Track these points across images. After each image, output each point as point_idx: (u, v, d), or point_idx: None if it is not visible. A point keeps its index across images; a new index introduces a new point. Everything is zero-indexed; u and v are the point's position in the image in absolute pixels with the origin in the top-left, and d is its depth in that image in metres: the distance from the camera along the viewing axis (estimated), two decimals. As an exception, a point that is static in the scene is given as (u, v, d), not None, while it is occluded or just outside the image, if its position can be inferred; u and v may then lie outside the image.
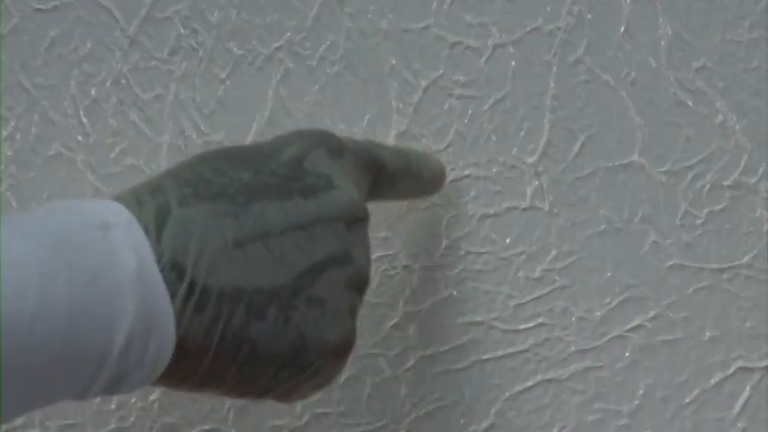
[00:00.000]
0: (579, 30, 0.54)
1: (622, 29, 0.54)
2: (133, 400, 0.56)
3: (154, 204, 0.40)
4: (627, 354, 0.54)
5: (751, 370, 0.54)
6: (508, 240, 0.55)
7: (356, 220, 0.44)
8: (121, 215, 0.38)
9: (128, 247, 0.38)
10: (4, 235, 0.35)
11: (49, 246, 0.36)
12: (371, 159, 0.48)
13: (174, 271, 0.39)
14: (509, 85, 0.55)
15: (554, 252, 0.54)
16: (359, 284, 0.44)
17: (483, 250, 0.54)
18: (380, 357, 0.55)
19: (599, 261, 0.54)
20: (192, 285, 0.39)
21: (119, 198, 0.40)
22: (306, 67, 0.55)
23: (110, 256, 0.37)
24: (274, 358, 0.41)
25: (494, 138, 0.55)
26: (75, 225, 0.37)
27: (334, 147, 0.45)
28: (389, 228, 0.55)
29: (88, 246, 0.37)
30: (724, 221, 0.54)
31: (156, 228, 0.39)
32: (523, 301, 0.54)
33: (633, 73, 0.54)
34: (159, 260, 0.38)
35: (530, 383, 0.54)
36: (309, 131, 0.46)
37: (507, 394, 0.54)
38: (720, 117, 0.54)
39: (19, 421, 0.55)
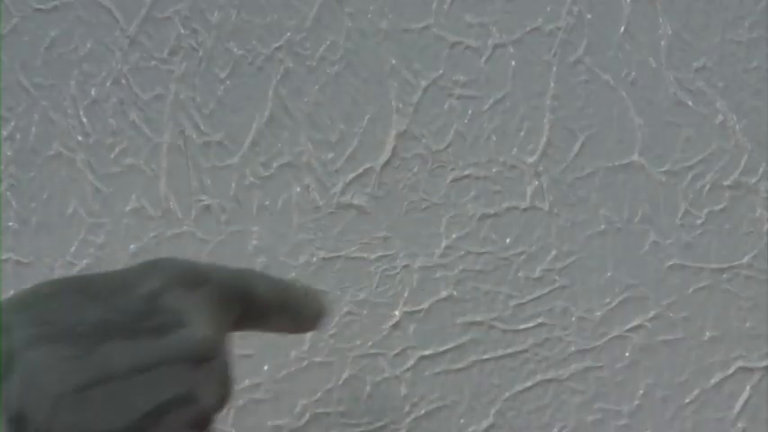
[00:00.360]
0: (579, 30, 0.54)
1: (622, 29, 0.54)
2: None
3: (2, 347, 0.40)
4: (627, 354, 0.54)
5: (751, 370, 0.54)
6: (508, 240, 0.55)
7: (206, 359, 0.44)
8: None
9: None
10: None
11: None
12: (241, 293, 0.48)
13: (18, 423, 0.40)
14: (509, 85, 0.55)
15: (554, 252, 0.54)
16: (201, 424, 0.44)
17: (483, 250, 0.54)
18: (380, 357, 0.55)
19: (599, 261, 0.54)
20: None
21: None
22: (306, 67, 0.55)
23: None
24: None
25: (494, 138, 0.55)
26: None
27: (191, 281, 0.46)
28: (389, 228, 0.55)
29: None
30: (724, 221, 0.54)
31: (4, 374, 0.40)
32: (523, 301, 0.54)
33: (633, 73, 0.54)
34: (7, 409, 0.39)
35: (530, 383, 0.55)
36: (169, 263, 0.46)
37: (507, 394, 0.54)
38: (720, 117, 0.54)
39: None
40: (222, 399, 0.45)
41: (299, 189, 0.55)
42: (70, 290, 0.43)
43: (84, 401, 0.41)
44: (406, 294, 0.55)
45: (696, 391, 0.54)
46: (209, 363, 0.45)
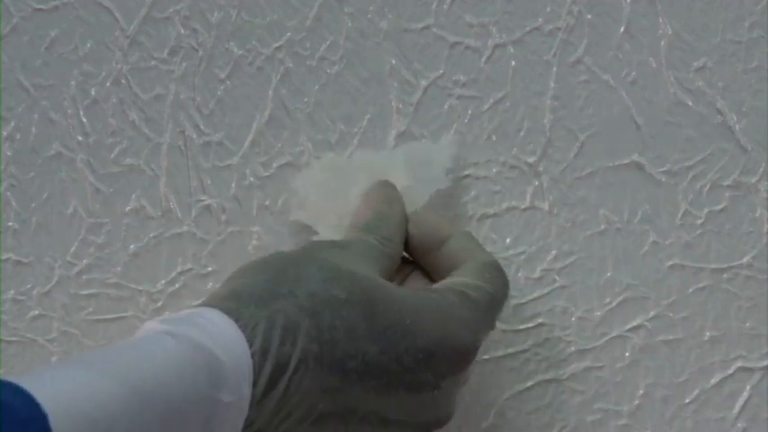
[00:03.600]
0: (579, 30, 0.54)
1: (622, 29, 0.54)
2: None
3: (274, 359, 0.40)
4: (627, 354, 0.54)
5: (751, 370, 0.54)
6: (508, 240, 0.55)
7: (441, 424, 0.46)
8: (240, 394, 0.39)
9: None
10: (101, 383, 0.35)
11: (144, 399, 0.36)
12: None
13: None
14: (509, 85, 0.55)
15: (554, 252, 0.54)
16: None
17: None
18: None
19: (599, 261, 0.54)
20: None
21: (249, 329, 0.40)
22: (306, 67, 0.55)
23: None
24: None
25: (494, 138, 0.55)
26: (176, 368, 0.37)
27: (463, 355, 0.46)
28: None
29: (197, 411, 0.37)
30: (724, 221, 0.54)
31: (264, 391, 0.39)
32: (523, 301, 0.54)
33: (633, 73, 0.54)
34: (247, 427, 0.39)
35: (530, 383, 0.54)
36: (452, 320, 0.46)
37: (507, 394, 0.54)
38: (720, 117, 0.54)
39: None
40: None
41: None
42: (355, 304, 0.43)
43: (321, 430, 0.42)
44: (406, 294, 0.55)
45: (696, 391, 0.54)
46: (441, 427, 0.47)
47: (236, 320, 0.40)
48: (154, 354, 0.37)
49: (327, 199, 0.52)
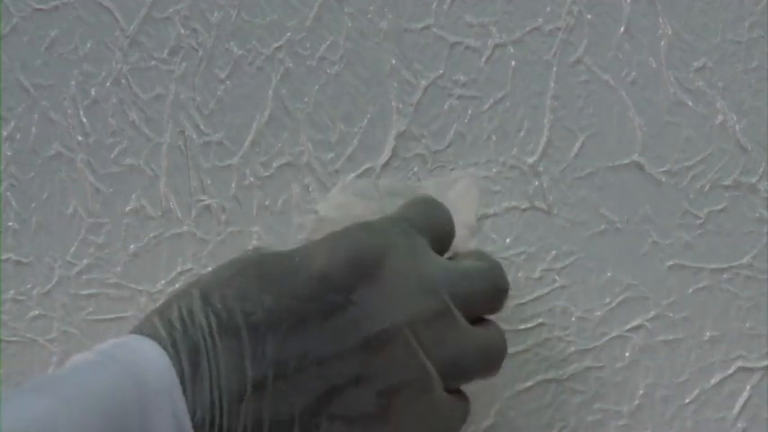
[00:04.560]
0: (579, 30, 0.54)
1: (622, 29, 0.54)
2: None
3: (187, 346, 0.43)
4: (627, 354, 0.54)
5: (751, 370, 0.54)
6: (508, 240, 0.55)
7: (378, 339, 0.45)
8: (164, 377, 0.42)
9: (167, 415, 0.41)
10: (37, 401, 0.39)
11: (85, 409, 0.39)
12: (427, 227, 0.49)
13: (203, 429, 0.42)
14: (509, 85, 0.55)
15: (554, 252, 0.54)
16: (388, 394, 0.45)
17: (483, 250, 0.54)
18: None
19: (599, 261, 0.54)
20: None
21: (153, 329, 0.43)
22: (306, 67, 0.55)
23: (147, 420, 0.41)
24: None
25: (494, 138, 0.55)
26: (111, 388, 0.41)
27: (359, 258, 0.46)
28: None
29: (127, 410, 0.40)
30: (724, 221, 0.54)
31: (191, 376, 0.42)
32: (523, 301, 0.54)
33: (633, 73, 0.54)
34: (192, 418, 0.42)
35: (530, 383, 0.54)
36: (344, 239, 0.47)
37: (507, 394, 0.54)
38: (720, 117, 0.54)
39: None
40: (405, 369, 0.45)
41: (299, 189, 0.55)
42: (246, 273, 0.45)
43: (261, 396, 0.43)
44: (406, 294, 0.55)
45: (696, 391, 0.54)
46: (384, 346, 0.45)
47: (140, 332, 0.44)
48: (91, 377, 0.41)
49: (346, 223, 0.52)
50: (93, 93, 0.56)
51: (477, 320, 0.49)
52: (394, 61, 0.55)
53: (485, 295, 0.49)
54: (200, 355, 0.43)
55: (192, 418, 0.42)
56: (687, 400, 0.54)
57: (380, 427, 0.45)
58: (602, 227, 0.54)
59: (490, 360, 0.49)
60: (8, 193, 0.56)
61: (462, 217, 0.54)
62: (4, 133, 0.56)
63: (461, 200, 0.54)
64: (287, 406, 0.43)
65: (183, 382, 0.42)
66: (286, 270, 0.45)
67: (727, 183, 0.54)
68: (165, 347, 0.43)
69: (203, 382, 0.43)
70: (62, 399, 0.39)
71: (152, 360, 0.42)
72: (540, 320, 0.54)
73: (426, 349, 0.46)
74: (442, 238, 0.50)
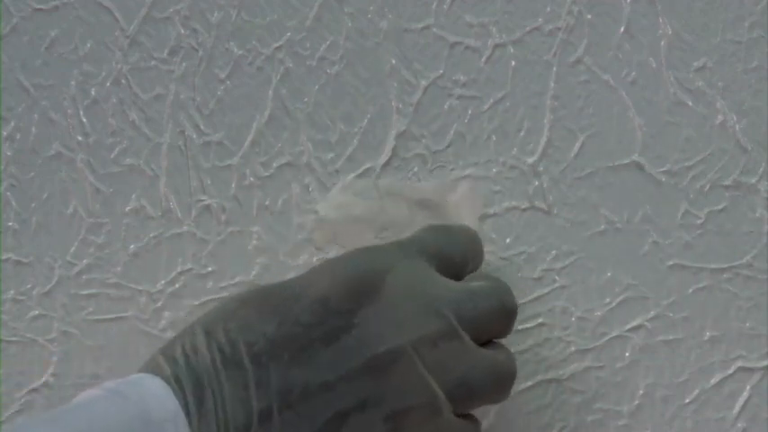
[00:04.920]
0: (579, 30, 0.54)
1: (622, 29, 0.54)
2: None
3: (191, 380, 0.43)
4: (627, 354, 0.54)
5: (751, 370, 0.54)
6: (508, 240, 0.55)
7: (382, 360, 0.45)
8: (168, 408, 0.42)
9: None
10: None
11: None
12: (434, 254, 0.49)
13: None
14: (509, 85, 0.55)
15: (554, 252, 0.54)
16: (396, 418, 0.45)
17: (483, 250, 0.54)
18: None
19: (599, 261, 0.54)
20: None
21: (157, 366, 0.44)
22: (306, 67, 0.55)
23: None
24: None
25: (494, 138, 0.55)
26: (119, 421, 0.41)
27: (360, 281, 0.46)
28: (391, 228, 0.55)
29: None
30: (724, 221, 0.54)
31: (197, 410, 0.43)
32: (523, 301, 0.54)
33: (633, 73, 0.54)
34: None
35: (530, 383, 0.54)
36: (344, 264, 0.47)
37: (507, 394, 0.54)
38: (720, 117, 0.54)
39: (19, 421, 0.55)
40: (411, 393, 0.45)
41: (298, 189, 0.55)
42: (247, 305, 0.45)
43: (268, 426, 0.43)
44: (406, 294, 0.55)
45: (696, 391, 0.54)
46: (389, 368, 0.45)
47: (145, 371, 0.44)
48: (100, 410, 0.42)
49: (347, 222, 0.52)
50: (93, 93, 0.56)
51: (486, 343, 0.49)
52: (394, 61, 0.55)
53: (492, 317, 0.49)
54: (204, 388, 0.43)
55: None
56: (687, 400, 0.54)
57: None
58: (602, 227, 0.54)
59: (500, 383, 0.48)
60: (8, 193, 0.56)
61: (464, 221, 0.54)
62: (4, 133, 0.56)
63: (463, 204, 0.54)
64: None
65: (189, 416, 0.42)
66: (287, 298, 0.45)
67: (727, 183, 0.54)
68: (169, 383, 0.43)
69: (209, 416, 0.43)
70: (73, 430, 0.40)
71: (158, 396, 0.42)
72: (540, 320, 0.54)
73: (433, 371, 0.46)
74: (451, 265, 0.50)
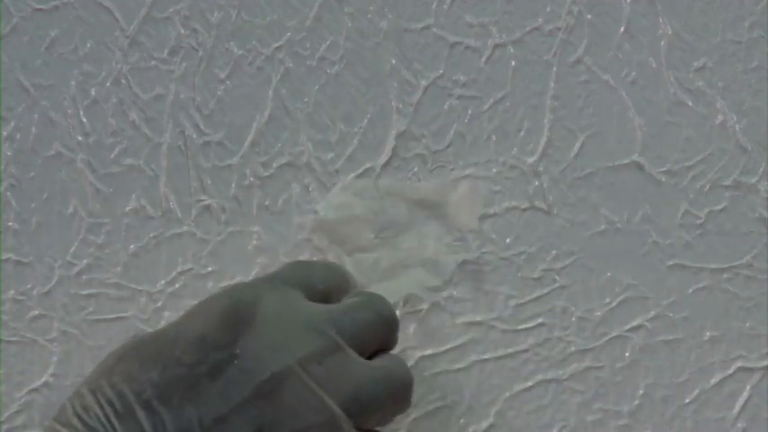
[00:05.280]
0: (579, 30, 0.54)
1: (622, 29, 0.54)
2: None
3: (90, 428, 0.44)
4: (627, 354, 0.54)
5: (751, 370, 0.54)
6: (508, 240, 0.55)
7: (270, 385, 0.45)
8: None
9: None
10: None
11: None
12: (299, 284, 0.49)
13: None
14: (509, 85, 0.55)
15: (554, 252, 0.54)
16: None
17: (483, 250, 0.54)
18: None
19: (599, 261, 0.54)
20: None
21: (59, 423, 0.45)
22: (306, 67, 0.55)
23: None
24: None
25: (494, 138, 0.55)
26: None
27: (233, 314, 0.47)
28: (391, 228, 0.55)
29: None
30: (724, 221, 0.54)
31: None
32: (523, 301, 0.54)
33: (633, 73, 0.54)
34: None
35: (530, 383, 0.55)
36: (213, 302, 0.48)
37: (507, 394, 0.54)
38: (720, 117, 0.54)
39: (19, 421, 0.55)
40: (307, 413, 0.46)
41: (298, 189, 0.55)
42: (127, 359, 0.46)
43: None
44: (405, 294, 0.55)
45: (696, 391, 0.54)
46: (277, 391, 0.45)
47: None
48: None
49: (347, 222, 0.52)
50: (93, 93, 0.56)
51: (375, 356, 0.49)
52: (394, 61, 0.55)
53: (372, 327, 0.49)
54: None
55: None
56: (687, 400, 0.54)
57: None
58: (602, 227, 0.54)
59: (394, 392, 0.48)
60: (8, 193, 0.56)
61: (464, 221, 0.54)
62: (4, 133, 0.56)
63: (463, 204, 0.54)
64: None
65: None
66: (164, 343, 0.46)
67: (727, 183, 0.54)
68: None
69: None
70: None
71: None
72: (540, 320, 0.54)
73: (324, 387, 0.46)
74: (316, 293, 0.50)
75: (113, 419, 0.44)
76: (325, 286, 0.50)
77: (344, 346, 0.47)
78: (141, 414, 0.44)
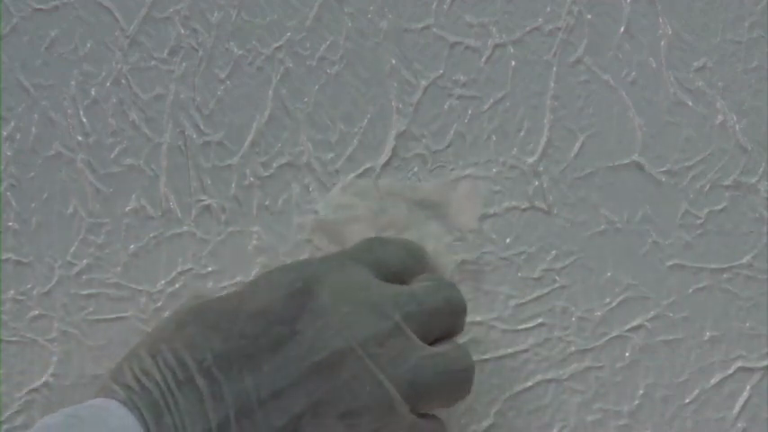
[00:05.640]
0: (579, 30, 0.54)
1: (622, 29, 0.54)
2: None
3: (147, 402, 0.44)
4: (627, 354, 0.54)
5: (751, 370, 0.54)
6: (508, 240, 0.55)
7: (330, 363, 0.46)
8: (129, 428, 0.44)
9: None
10: None
11: None
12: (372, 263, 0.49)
13: None
14: (509, 85, 0.55)
15: (554, 252, 0.54)
16: (350, 415, 0.45)
17: (483, 250, 0.54)
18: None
19: (599, 261, 0.54)
20: None
21: (112, 392, 0.45)
22: (306, 67, 0.55)
23: None
24: None
25: (494, 138, 0.55)
26: None
27: (298, 290, 0.47)
28: (391, 228, 0.55)
29: None
30: (724, 221, 0.54)
31: (156, 429, 0.44)
32: (523, 301, 0.54)
33: (633, 73, 0.54)
34: None
35: (530, 383, 0.55)
36: (279, 275, 0.48)
37: (507, 394, 0.54)
38: (720, 117, 0.54)
39: (19, 421, 0.55)
40: (373, 390, 0.46)
41: (298, 189, 0.55)
42: (190, 324, 0.46)
43: None
44: (406, 294, 0.55)
45: (696, 391, 0.54)
46: (336, 369, 0.45)
47: (102, 396, 0.46)
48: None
49: (347, 222, 0.52)
50: (93, 93, 0.56)
51: (438, 342, 0.49)
52: (394, 61, 0.55)
53: (439, 313, 0.49)
54: (160, 408, 0.44)
55: None
56: (687, 400, 0.54)
57: None
58: (602, 227, 0.54)
59: (454, 380, 0.49)
60: (8, 193, 0.56)
61: (464, 221, 0.54)
62: (4, 133, 0.56)
63: (464, 204, 0.54)
64: None
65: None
66: (228, 313, 0.46)
67: (727, 183, 0.54)
68: (126, 405, 0.44)
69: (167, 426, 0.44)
70: None
71: (118, 417, 0.44)
72: (540, 320, 0.54)
73: (383, 370, 0.46)
74: (389, 272, 0.50)
75: (172, 385, 0.45)
76: (397, 266, 0.50)
77: (407, 330, 0.47)
78: (201, 381, 0.45)
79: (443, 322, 0.49)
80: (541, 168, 0.54)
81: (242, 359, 0.45)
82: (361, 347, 0.46)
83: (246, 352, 0.45)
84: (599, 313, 0.54)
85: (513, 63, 0.54)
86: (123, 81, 0.56)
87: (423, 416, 0.48)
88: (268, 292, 0.47)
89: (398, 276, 0.50)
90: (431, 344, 0.48)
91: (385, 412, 0.46)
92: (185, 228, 0.55)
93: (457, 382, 0.49)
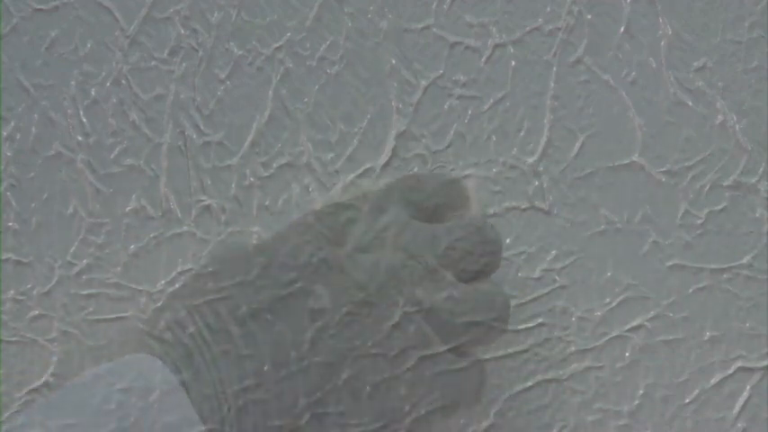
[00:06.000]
0: (579, 30, 0.54)
1: (622, 29, 0.54)
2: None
3: (182, 354, 0.45)
4: (627, 354, 0.54)
5: (751, 370, 0.54)
6: (508, 240, 0.55)
7: (363, 308, 0.46)
8: (166, 381, 0.44)
9: (176, 417, 0.44)
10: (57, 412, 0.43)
11: (100, 414, 0.43)
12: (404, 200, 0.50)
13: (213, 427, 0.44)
14: (509, 85, 0.55)
15: (554, 252, 0.54)
16: (390, 356, 0.47)
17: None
18: (380, 357, 0.55)
19: (599, 261, 0.54)
20: None
21: (147, 346, 0.46)
22: (306, 67, 0.55)
23: (155, 425, 0.43)
24: None
25: (494, 138, 0.55)
26: (118, 397, 0.44)
27: (327, 239, 0.47)
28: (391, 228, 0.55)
29: (135, 416, 0.43)
30: (724, 221, 0.54)
31: (193, 379, 0.44)
32: (523, 301, 0.54)
33: (633, 73, 0.54)
34: (200, 418, 0.44)
35: (530, 383, 0.54)
36: (309, 221, 0.48)
37: (507, 394, 0.54)
38: (720, 117, 0.54)
39: (18, 421, 0.55)
40: (410, 332, 0.46)
41: (298, 189, 0.55)
42: (222, 275, 0.47)
43: (265, 384, 0.45)
44: (406, 294, 0.55)
45: (696, 391, 0.54)
46: (372, 311, 0.46)
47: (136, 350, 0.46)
48: (100, 389, 0.44)
49: (347, 223, 0.53)
50: (93, 93, 0.56)
51: (474, 280, 0.49)
52: (394, 61, 0.55)
53: (474, 252, 0.49)
54: (196, 359, 0.44)
55: (200, 419, 0.43)
56: (687, 400, 0.54)
57: (388, 394, 0.46)
58: (602, 227, 0.54)
59: (491, 314, 0.49)
60: (8, 193, 0.56)
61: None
62: (4, 133, 0.56)
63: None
64: (291, 390, 0.45)
65: (186, 388, 0.44)
66: (259, 263, 0.47)
67: (727, 183, 0.54)
68: (162, 359, 0.44)
69: (205, 384, 0.44)
70: (73, 411, 0.42)
71: (154, 370, 0.44)
72: (540, 320, 0.54)
73: (418, 309, 0.46)
74: (423, 210, 0.50)
75: (207, 335, 0.45)
76: (433, 203, 0.50)
77: (440, 269, 0.47)
78: (235, 330, 0.45)
79: (479, 261, 0.49)
80: (541, 168, 0.54)
81: (276, 307, 0.45)
82: (395, 289, 0.46)
83: (279, 299, 0.45)
84: (599, 313, 0.54)
85: (513, 63, 0.54)
86: (123, 81, 0.56)
87: (462, 355, 0.48)
88: (297, 239, 0.47)
89: (434, 212, 0.50)
90: (466, 282, 0.48)
91: (422, 352, 0.46)
92: (185, 228, 0.55)
93: (494, 319, 0.49)
